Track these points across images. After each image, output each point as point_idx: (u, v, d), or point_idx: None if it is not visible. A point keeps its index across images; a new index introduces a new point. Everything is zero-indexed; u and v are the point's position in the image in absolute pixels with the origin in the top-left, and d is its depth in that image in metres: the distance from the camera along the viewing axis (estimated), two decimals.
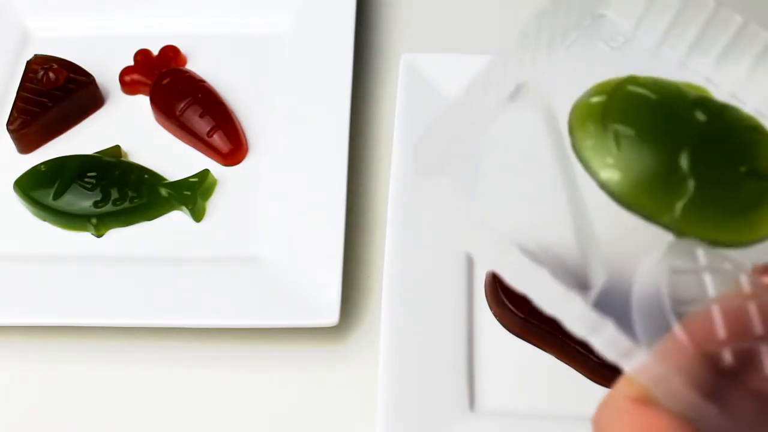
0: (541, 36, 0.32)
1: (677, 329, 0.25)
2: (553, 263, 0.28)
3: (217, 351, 0.43)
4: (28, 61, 0.51)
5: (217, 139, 0.48)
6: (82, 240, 0.46)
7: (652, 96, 0.31)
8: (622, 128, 0.31)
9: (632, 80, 0.32)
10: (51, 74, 0.50)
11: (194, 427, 0.41)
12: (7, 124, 0.49)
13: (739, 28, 0.33)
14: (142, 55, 0.52)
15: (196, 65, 0.52)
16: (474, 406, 0.40)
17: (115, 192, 0.46)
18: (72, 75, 0.50)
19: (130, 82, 0.51)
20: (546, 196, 0.31)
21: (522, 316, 0.41)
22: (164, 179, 0.47)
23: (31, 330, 0.44)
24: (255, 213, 0.47)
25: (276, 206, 0.46)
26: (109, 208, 0.46)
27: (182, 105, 0.49)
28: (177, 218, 0.47)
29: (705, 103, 0.32)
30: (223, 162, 0.48)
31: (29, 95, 0.49)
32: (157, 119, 0.50)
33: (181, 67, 0.52)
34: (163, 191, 0.47)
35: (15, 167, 0.48)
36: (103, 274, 0.44)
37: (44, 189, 0.46)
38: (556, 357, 0.41)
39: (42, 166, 0.47)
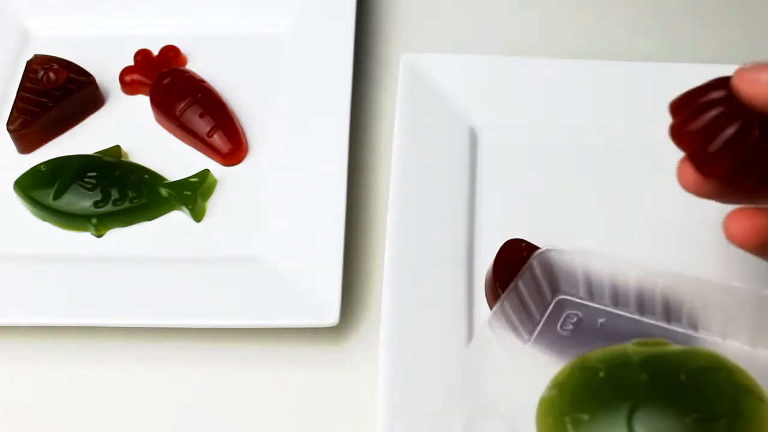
0: (506, 329, 0.36)
1: None
2: None
3: (217, 351, 0.43)
4: (28, 61, 0.51)
5: (217, 139, 0.48)
6: (82, 240, 0.46)
7: (600, 372, 0.33)
8: (575, 416, 0.32)
9: (581, 363, 0.34)
10: (51, 74, 0.50)
11: (194, 427, 0.41)
12: (7, 124, 0.49)
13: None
14: (142, 55, 0.52)
15: (196, 65, 0.52)
16: None
17: (115, 192, 0.46)
18: (72, 75, 0.50)
19: (130, 82, 0.51)
20: None
21: None
22: (164, 179, 0.47)
23: (31, 330, 0.43)
24: (255, 213, 0.47)
25: (276, 206, 0.46)
26: (109, 208, 0.46)
27: (182, 105, 0.49)
28: (177, 218, 0.47)
29: (652, 360, 0.33)
30: (223, 162, 0.48)
31: (29, 95, 0.49)
32: (157, 119, 0.50)
33: (181, 67, 0.52)
34: (163, 191, 0.47)
35: (15, 167, 0.48)
36: (103, 274, 0.44)
37: (44, 189, 0.46)
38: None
39: (42, 166, 0.47)
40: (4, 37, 0.54)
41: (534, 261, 0.36)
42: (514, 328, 0.36)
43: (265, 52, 0.53)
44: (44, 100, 0.49)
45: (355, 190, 0.48)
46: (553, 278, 0.36)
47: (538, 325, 0.37)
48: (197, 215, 0.46)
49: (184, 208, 0.46)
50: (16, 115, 0.49)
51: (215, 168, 0.48)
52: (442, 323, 0.42)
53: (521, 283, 0.36)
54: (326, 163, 0.47)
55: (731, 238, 0.33)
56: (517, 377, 0.36)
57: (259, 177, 0.48)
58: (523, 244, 0.43)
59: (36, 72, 0.50)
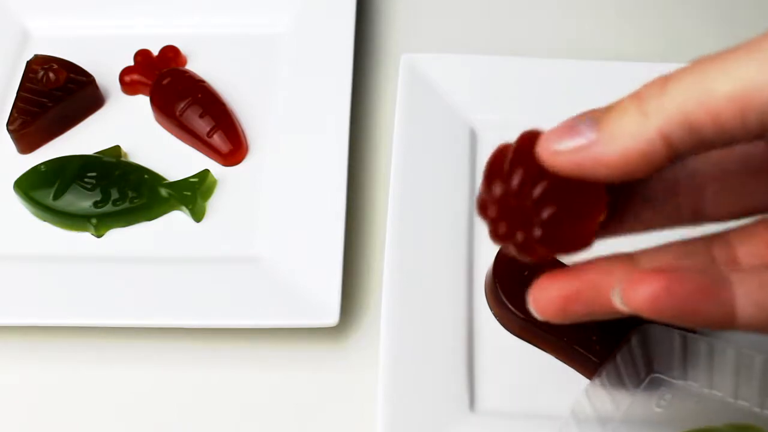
0: (602, 401, 0.36)
1: None
2: None
3: (217, 351, 0.43)
4: (28, 61, 0.51)
5: (217, 139, 0.48)
6: (82, 240, 0.46)
7: None
8: None
9: None
10: (51, 74, 0.50)
11: (194, 427, 0.41)
12: (7, 124, 0.49)
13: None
14: (142, 55, 0.52)
15: (196, 65, 0.52)
16: (474, 406, 0.40)
17: (115, 192, 0.46)
18: (72, 75, 0.50)
19: (130, 82, 0.51)
20: None
21: (522, 316, 0.41)
22: (164, 179, 0.47)
23: (31, 330, 0.44)
24: (255, 213, 0.47)
25: (276, 206, 0.46)
26: (109, 208, 0.46)
27: (182, 105, 0.49)
28: (177, 218, 0.47)
29: None
30: (223, 162, 0.48)
31: (29, 95, 0.49)
32: (157, 119, 0.50)
33: (181, 67, 0.52)
34: (163, 191, 0.47)
35: (15, 167, 0.48)
36: (103, 274, 0.44)
37: (44, 189, 0.46)
38: (556, 357, 0.41)
39: (42, 166, 0.47)
40: (4, 37, 0.54)
41: (633, 337, 0.36)
42: (611, 401, 0.37)
43: (265, 52, 0.53)
44: (44, 100, 0.49)
45: (355, 190, 0.48)
46: (650, 355, 0.37)
47: (631, 398, 0.37)
48: (197, 215, 0.46)
49: (184, 208, 0.46)
50: (16, 115, 0.49)
51: (215, 168, 0.48)
52: (442, 323, 0.42)
53: (619, 357, 0.36)
54: (326, 163, 0.47)
55: (541, 314, 0.29)
56: None
57: (259, 177, 0.48)
58: None
59: (36, 72, 0.50)
